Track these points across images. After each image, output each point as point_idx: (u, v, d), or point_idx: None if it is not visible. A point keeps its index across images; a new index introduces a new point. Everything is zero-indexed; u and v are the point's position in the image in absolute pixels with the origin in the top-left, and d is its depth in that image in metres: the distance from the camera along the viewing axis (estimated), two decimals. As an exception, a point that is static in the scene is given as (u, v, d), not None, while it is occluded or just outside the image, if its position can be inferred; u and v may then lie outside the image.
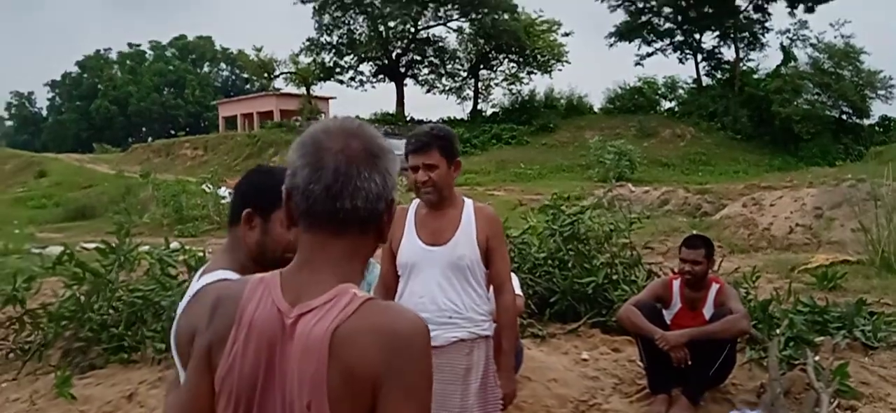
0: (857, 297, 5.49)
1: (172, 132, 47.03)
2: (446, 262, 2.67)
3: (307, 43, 36.74)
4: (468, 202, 2.78)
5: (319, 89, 38.49)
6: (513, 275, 4.40)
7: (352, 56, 37.14)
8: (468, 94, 38.06)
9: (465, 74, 38.14)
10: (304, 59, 37.29)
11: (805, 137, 28.38)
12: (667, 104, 35.01)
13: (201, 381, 1.22)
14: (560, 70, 37.61)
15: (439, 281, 2.67)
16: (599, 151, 23.14)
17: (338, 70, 37.53)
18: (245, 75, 54.61)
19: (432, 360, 2.86)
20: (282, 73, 38.43)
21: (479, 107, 37.25)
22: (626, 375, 4.56)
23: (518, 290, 4.24)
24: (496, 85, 37.69)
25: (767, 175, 22.42)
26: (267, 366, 1.15)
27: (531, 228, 6.27)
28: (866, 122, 30.84)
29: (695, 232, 5.13)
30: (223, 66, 66.64)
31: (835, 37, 30.16)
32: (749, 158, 28.02)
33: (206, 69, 65.89)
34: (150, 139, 45.49)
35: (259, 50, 37.86)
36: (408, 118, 35.64)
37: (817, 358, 4.43)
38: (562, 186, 14.86)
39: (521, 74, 36.42)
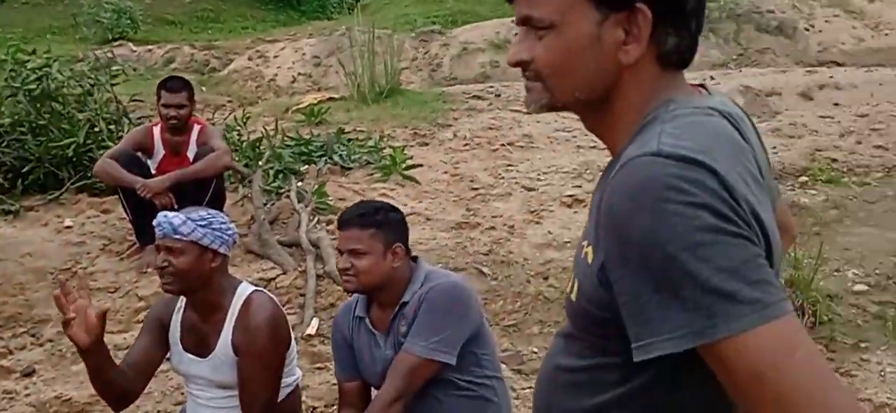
0: (338, 127, 6.07)
1: None
2: None
3: None
4: None
5: None
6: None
7: None
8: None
9: None
10: None
11: (306, -7, 29.90)
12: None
13: None
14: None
15: None
16: (94, 10, 20.77)
17: None
18: None
19: None
20: None
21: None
22: (116, 234, 4.29)
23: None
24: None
25: (274, 30, 23.15)
26: None
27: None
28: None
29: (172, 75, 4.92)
30: None
31: None
32: (256, 15, 28.44)
33: None
34: None
35: None
36: None
37: (301, 184, 4.80)
38: (55, 52, 13.01)
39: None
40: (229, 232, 2.20)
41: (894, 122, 5.71)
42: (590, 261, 0.89)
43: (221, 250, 2.17)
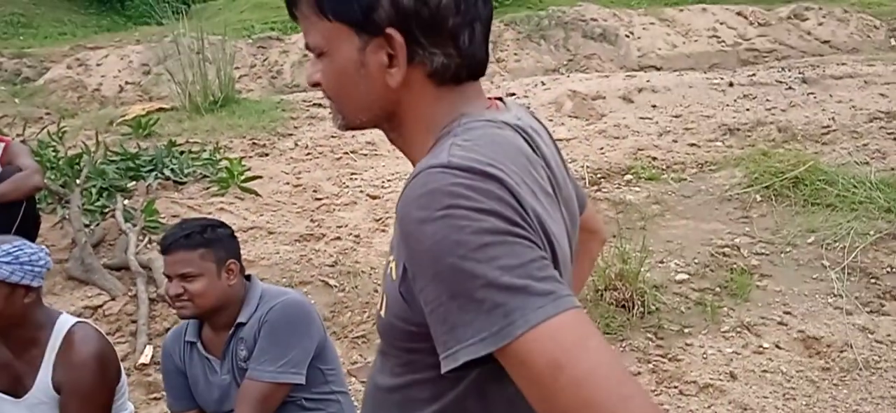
0: (169, 139, 5.72)
1: None
2: None
3: None
4: None
5: None
6: None
7: None
8: None
9: None
10: None
11: (133, -4, 28.11)
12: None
13: None
14: None
15: None
16: None
17: None
18: None
19: None
20: None
21: None
22: None
23: None
24: None
25: (96, 36, 21.56)
26: None
27: None
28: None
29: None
30: None
31: None
32: (75, 20, 26.39)
33: None
34: None
35: None
36: None
37: (128, 202, 4.47)
38: None
39: None
40: (40, 263, 2.00)
41: (704, 122, 6.26)
42: (394, 276, 0.88)
43: (34, 284, 1.99)
